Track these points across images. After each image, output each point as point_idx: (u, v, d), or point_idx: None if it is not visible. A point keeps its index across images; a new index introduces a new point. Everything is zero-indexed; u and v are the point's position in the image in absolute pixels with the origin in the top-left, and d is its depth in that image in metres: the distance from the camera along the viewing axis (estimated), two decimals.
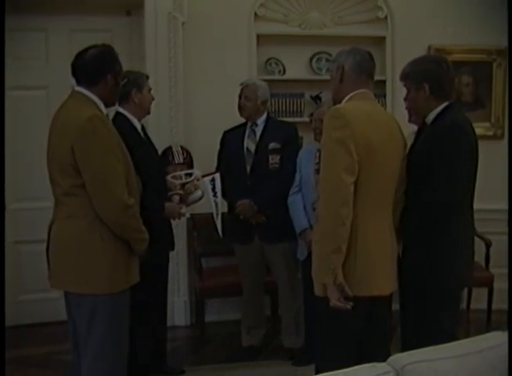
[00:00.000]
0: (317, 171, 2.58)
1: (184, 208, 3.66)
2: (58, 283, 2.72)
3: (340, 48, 2.75)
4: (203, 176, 3.82)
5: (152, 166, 3.47)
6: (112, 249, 2.63)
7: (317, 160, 2.57)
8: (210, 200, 3.84)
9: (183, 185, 3.66)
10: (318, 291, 2.53)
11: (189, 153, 3.90)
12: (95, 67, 2.69)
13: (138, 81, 3.52)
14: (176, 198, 3.61)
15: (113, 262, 2.64)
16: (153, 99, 3.63)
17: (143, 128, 3.61)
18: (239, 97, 3.97)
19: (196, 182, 3.73)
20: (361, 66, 2.65)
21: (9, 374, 3.66)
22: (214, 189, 3.83)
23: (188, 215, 4.51)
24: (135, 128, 3.50)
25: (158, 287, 3.65)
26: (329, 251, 2.40)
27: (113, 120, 3.38)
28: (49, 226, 2.76)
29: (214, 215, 3.87)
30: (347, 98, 2.63)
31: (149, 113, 3.66)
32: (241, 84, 4.00)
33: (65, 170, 2.59)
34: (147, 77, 3.63)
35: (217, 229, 3.90)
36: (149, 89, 3.60)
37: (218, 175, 3.84)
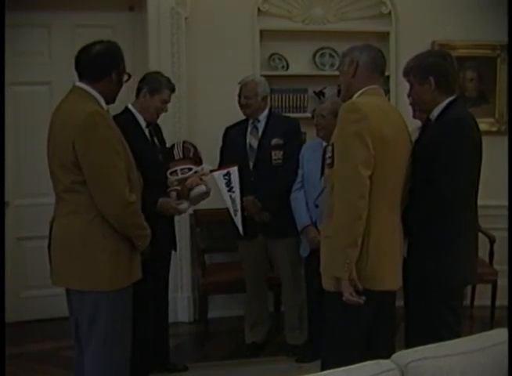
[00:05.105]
0: (328, 165, 2.57)
1: (185, 204, 3.53)
2: (60, 280, 2.71)
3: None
4: (212, 171, 3.73)
5: (153, 163, 3.45)
6: (114, 246, 2.62)
7: (329, 155, 2.55)
8: (223, 195, 3.78)
9: (182, 180, 3.54)
10: (327, 284, 2.53)
11: (195, 149, 3.72)
12: (101, 64, 2.67)
13: (153, 84, 3.51)
14: (173, 194, 3.52)
15: (115, 259, 2.62)
16: (163, 110, 3.59)
17: (150, 124, 3.58)
18: (239, 96, 3.94)
19: (202, 177, 3.61)
20: (374, 63, 2.68)
21: (11, 370, 3.66)
22: (229, 183, 3.76)
23: (190, 211, 4.49)
24: (139, 125, 3.49)
25: (159, 284, 3.65)
26: (346, 244, 2.41)
27: (120, 114, 3.41)
28: (50, 223, 2.74)
29: (231, 212, 3.80)
30: (358, 93, 2.64)
31: (153, 120, 3.60)
32: (239, 82, 3.95)
33: (66, 166, 2.58)
34: (172, 90, 3.60)
35: (236, 228, 3.83)
36: (165, 101, 3.55)
37: (235, 169, 3.76)
